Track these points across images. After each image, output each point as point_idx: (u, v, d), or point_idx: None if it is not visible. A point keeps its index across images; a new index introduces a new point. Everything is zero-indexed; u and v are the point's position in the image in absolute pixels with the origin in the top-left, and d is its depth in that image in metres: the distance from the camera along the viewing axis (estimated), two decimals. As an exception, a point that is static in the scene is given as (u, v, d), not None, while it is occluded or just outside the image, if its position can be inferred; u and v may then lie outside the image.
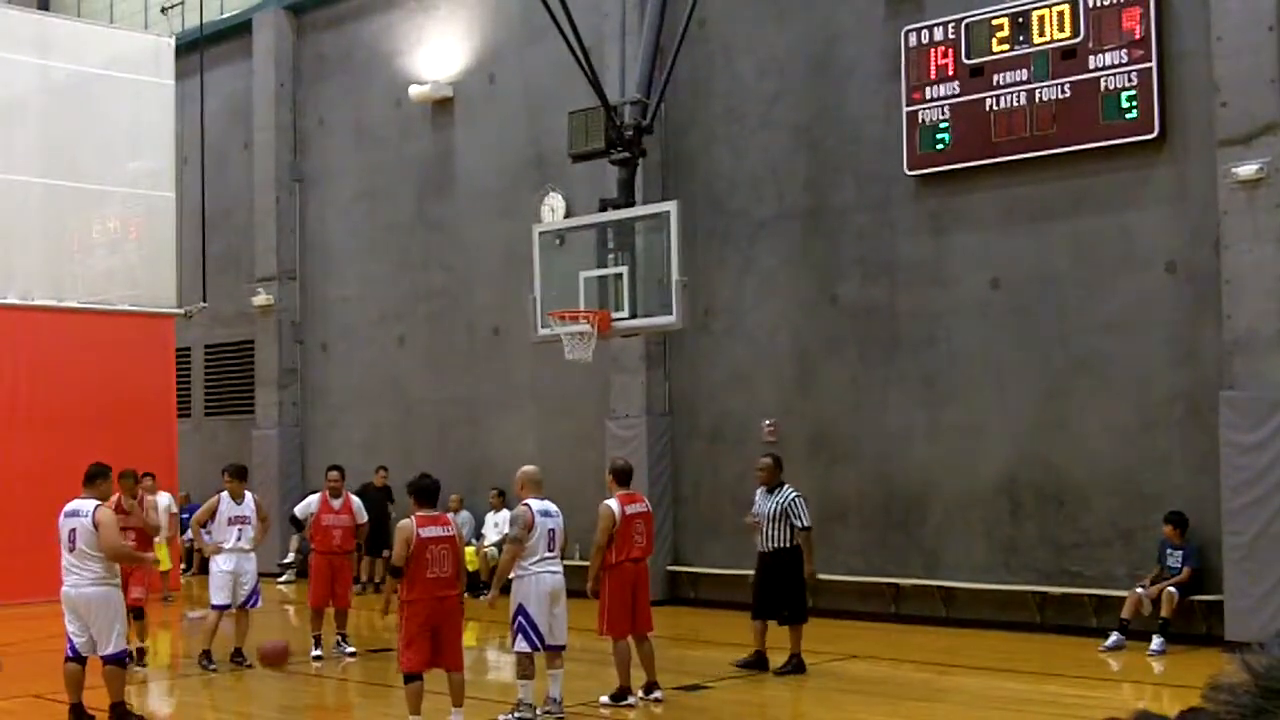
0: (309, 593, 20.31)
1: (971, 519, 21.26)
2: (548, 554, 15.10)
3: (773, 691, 17.11)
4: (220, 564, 19.11)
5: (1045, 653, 18.88)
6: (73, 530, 15.07)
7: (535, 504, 15.24)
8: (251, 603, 19.35)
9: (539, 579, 15.01)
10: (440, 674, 14.21)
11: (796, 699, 16.66)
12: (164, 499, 24.47)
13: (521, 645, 14.96)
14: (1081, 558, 20.18)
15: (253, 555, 19.54)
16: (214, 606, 19.16)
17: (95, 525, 14.97)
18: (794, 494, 17.85)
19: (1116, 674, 18.00)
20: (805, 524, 17.74)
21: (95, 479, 15.48)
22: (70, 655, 15.22)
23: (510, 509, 26.74)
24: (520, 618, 14.97)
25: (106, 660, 14.99)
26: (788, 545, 17.59)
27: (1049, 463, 20.53)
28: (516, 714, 14.83)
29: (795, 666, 17.71)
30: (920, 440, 21.79)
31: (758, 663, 17.91)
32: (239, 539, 19.25)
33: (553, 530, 15.17)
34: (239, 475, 19.88)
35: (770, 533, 17.74)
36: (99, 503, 15.18)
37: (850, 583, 22.41)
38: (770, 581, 17.89)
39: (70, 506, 15.34)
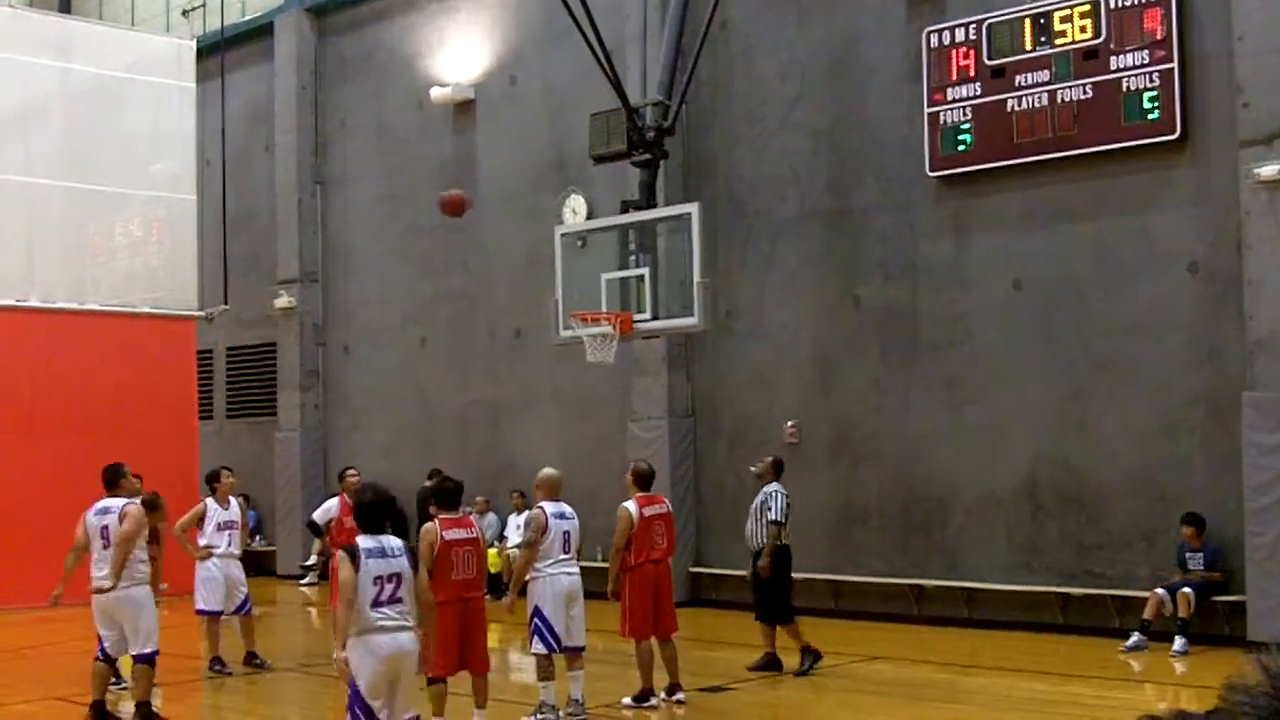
0: (332, 595, 20.24)
1: (993, 520, 21.23)
2: (563, 555, 15.12)
3: (794, 693, 17.10)
4: (210, 570, 18.98)
5: (1067, 654, 18.87)
6: (105, 527, 15.12)
7: (549, 506, 15.27)
8: (245, 609, 19.24)
9: (554, 580, 15.03)
10: (463, 674, 14.22)
11: (819, 700, 16.64)
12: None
13: (538, 647, 14.99)
14: (1103, 559, 20.15)
15: (240, 562, 19.47)
16: (205, 612, 19.02)
17: (120, 518, 15.02)
18: (774, 489, 18.02)
19: (1138, 675, 17.97)
20: (775, 517, 17.94)
21: (119, 479, 15.51)
22: (100, 656, 15.28)
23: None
24: (536, 619, 15.01)
25: (137, 659, 15.04)
26: (763, 542, 17.75)
27: (1070, 464, 20.50)
28: (539, 715, 14.85)
29: (768, 664, 17.91)
30: (942, 442, 21.77)
31: (768, 664, 18.02)
32: (229, 544, 19.18)
33: (568, 532, 15.19)
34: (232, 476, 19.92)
35: (753, 530, 18.00)
36: (128, 500, 15.24)
37: (872, 584, 22.42)
38: (753, 580, 18.12)
39: (101, 504, 15.40)
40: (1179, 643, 18.26)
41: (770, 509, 17.98)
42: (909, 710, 15.96)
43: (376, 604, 10.88)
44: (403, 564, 11.10)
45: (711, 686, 17.00)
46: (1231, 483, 18.77)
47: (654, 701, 15.72)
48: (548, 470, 16.01)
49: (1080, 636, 19.88)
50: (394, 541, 11.18)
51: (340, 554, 11.07)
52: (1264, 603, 18.09)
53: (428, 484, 26.55)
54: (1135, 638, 18.65)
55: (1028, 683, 17.15)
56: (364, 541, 11.03)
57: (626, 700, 15.79)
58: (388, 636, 10.95)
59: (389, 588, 10.93)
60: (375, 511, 11.35)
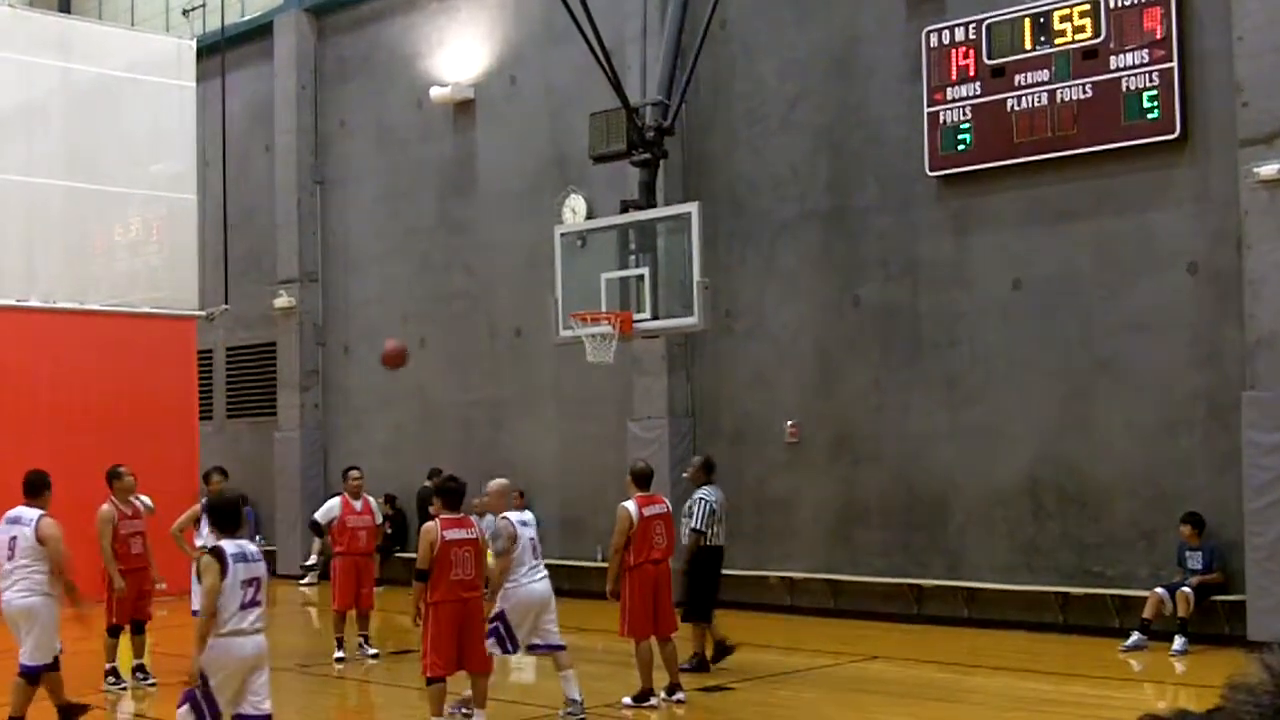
0: (333, 595, 20.18)
1: (994, 520, 21.24)
2: (534, 562, 15.24)
3: (794, 692, 17.11)
4: None
5: (1067, 653, 18.88)
6: (13, 539, 14.76)
7: (514, 515, 15.40)
8: None
9: (530, 589, 15.17)
10: (461, 674, 14.23)
11: (818, 700, 16.63)
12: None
13: (493, 648, 15.01)
14: (1103, 558, 20.15)
15: None
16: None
17: (40, 540, 14.70)
18: (699, 496, 18.15)
19: (1138, 674, 17.98)
20: (695, 525, 18.13)
21: (42, 490, 15.09)
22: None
23: (530, 510, 26.90)
24: (498, 622, 15.08)
25: (21, 670, 14.65)
26: (683, 543, 17.78)
27: (1071, 463, 20.50)
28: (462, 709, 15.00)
29: (696, 664, 17.87)
30: (942, 441, 21.77)
31: (699, 665, 18.02)
32: None
33: (533, 538, 15.30)
34: (226, 477, 19.80)
35: (679, 531, 18.05)
36: (43, 513, 14.87)
37: (873, 584, 22.42)
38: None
39: (13, 513, 15.01)
40: (1178, 642, 18.27)
41: (692, 515, 18.05)
42: (909, 710, 15.96)
43: (243, 607, 11.00)
44: (262, 568, 11.27)
45: (711, 686, 17.00)
46: (1232, 482, 18.77)
47: (654, 701, 15.72)
48: (501, 480, 16.17)
49: (1080, 636, 19.89)
50: (251, 546, 11.34)
51: (207, 559, 11.05)
52: (1264, 602, 18.10)
53: (427, 484, 26.58)
54: (1135, 637, 18.66)
55: (1028, 682, 17.15)
56: (228, 546, 11.07)
57: (626, 700, 15.78)
58: (251, 639, 11.11)
59: (251, 591, 11.05)
60: (232, 513, 11.38)
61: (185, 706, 11.06)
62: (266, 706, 11.32)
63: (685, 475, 18.62)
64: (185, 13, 33.28)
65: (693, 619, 18.14)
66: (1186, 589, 18.48)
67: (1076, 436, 20.47)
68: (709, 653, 18.11)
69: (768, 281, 23.86)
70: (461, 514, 14.44)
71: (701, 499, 18.19)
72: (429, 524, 14.25)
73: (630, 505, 15.82)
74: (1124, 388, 20.05)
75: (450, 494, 14.32)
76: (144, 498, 18.70)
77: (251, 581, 11.01)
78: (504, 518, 15.38)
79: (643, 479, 16.20)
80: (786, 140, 23.75)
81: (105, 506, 17.83)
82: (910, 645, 19.94)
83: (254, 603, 11.04)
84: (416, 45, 29.88)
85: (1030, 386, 20.91)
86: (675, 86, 21.48)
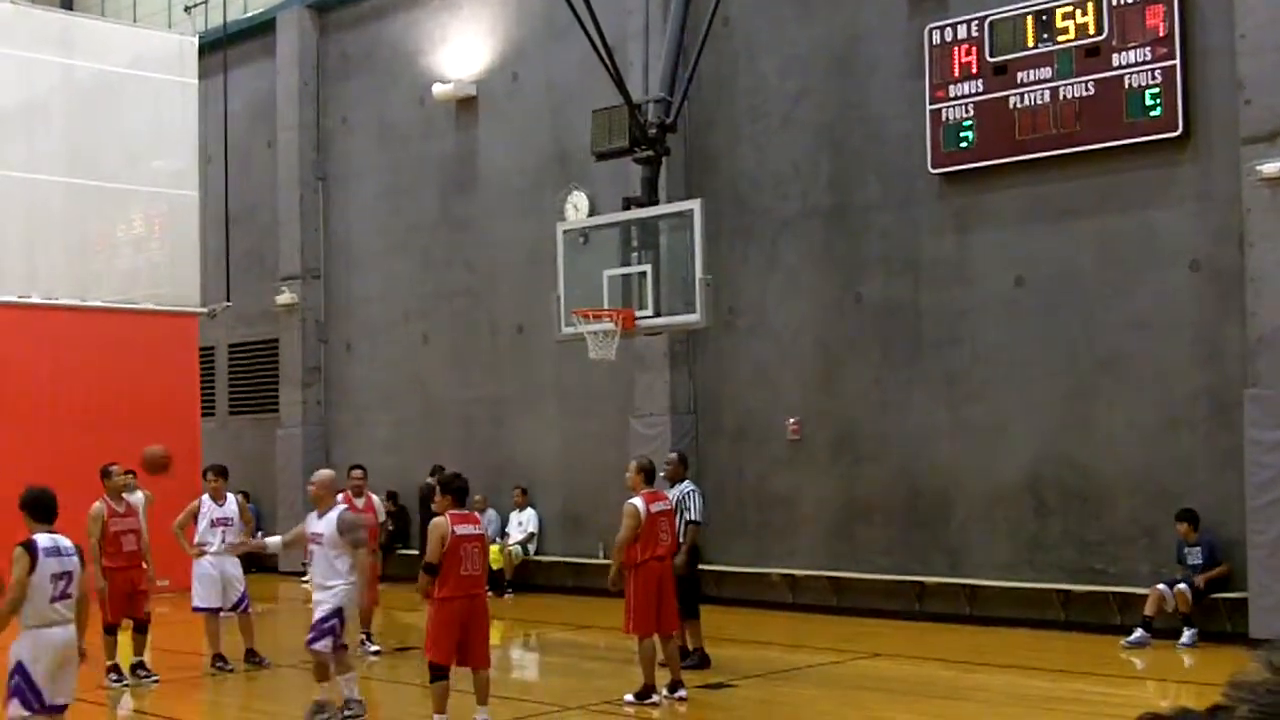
0: None
1: (996, 517, 21.23)
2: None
3: (797, 689, 17.09)
4: (205, 567, 18.86)
5: (1070, 650, 18.88)
6: None
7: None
8: (243, 606, 19.13)
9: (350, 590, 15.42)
10: (464, 672, 14.22)
11: (820, 697, 16.62)
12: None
13: (324, 645, 15.32)
14: (1105, 555, 20.14)
15: (237, 559, 19.27)
16: (202, 609, 18.91)
17: None
18: (690, 488, 18.10)
19: (1140, 671, 17.98)
20: (694, 518, 17.99)
21: None
22: None
23: (533, 507, 26.88)
24: (333, 620, 15.38)
25: None
26: (681, 540, 17.70)
27: (1073, 461, 20.49)
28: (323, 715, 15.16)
29: (698, 661, 17.81)
30: (944, 438, 21.76)
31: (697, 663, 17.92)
32: (223, 541, 19.09)
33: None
34: (224, 475, 19.70)
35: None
36: None
37: (875, 581, 22.40)
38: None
39: None
40: (1186, 635, 18.34)
41: (689, 510, 17.97)
42: (911, 707, 15.95)
43: (53, 600, 11.16)
44: (74, 562, 11.39)
45: (713, 683, 16.99)
46: (1233, 480, 18.77)
47: (656, 699, 15.70)
48: (327, 472, 16.45)
49: (1082, 633, 19.88)
50: (65, 540, 11.44)
51: (18, 550, 11.13)
52: (1266, 600, 18.09)
53: (429, 480, 26.55)
54: (1137, 634, 18.67)
55: (1029, 679, 17.16)
56: (42, 540, 11.19)
57: (628, 697, 15.78)
58: (62, 630, 11.23)
59: (61, 584, 11.19)
60: (47, 505, 11.51)
61: (14, 701, 11.13)
62: (69, 698, 11.49)
63: (662, 474, 18.48)
64: (187, 9, 33.30)
65: (684, 615, 18.10)
66: (1183, 586, 18.50)
67: (1078, 434, 20.46)
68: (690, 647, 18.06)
69: (770, 278, 23.85)
70: (469, 510, 14.48)
71: (694, 491, 18.16)
72: (439, 519, 14.21)
73: (639, 502, 15.82)
74: (1126, 385, 20.05)
75: (457, 490, 14.31)
76: (137, 494, 18.70)
77: (63, 575, 11.19)
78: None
79: (650, 474, 16.22)
80: (788, 137, 23.74)
81: (96, 504, 17.87)
82: (912, 642, 19.93)
83: (64, 595, 11.21)
84: (419, 42, 29.88)
85: (1032, 384, 20.90)
86: (677, 83, 21.46)
